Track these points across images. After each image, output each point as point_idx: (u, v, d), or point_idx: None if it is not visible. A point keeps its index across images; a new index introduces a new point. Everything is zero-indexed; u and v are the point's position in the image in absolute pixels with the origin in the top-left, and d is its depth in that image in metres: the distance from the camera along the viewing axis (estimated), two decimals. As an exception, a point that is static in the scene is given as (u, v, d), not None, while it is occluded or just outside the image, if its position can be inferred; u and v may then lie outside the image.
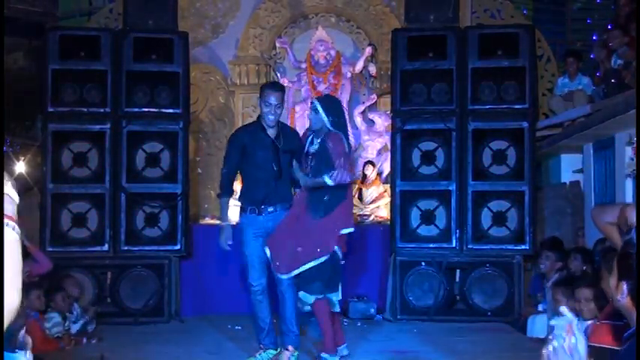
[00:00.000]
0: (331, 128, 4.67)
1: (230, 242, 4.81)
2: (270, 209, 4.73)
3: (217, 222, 7.74)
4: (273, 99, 4.69)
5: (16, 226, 1.56)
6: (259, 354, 4.80)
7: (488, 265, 6.52)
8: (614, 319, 3.17)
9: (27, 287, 5.33)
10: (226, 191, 4.91)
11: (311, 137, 4.80)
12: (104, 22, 8.10)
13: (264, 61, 8.71)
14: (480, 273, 6.53)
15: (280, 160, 4.74)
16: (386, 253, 6.85)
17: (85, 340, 5.59)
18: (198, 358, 5.09)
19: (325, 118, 4.66)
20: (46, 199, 6.56)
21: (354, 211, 7.76)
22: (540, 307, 5.83)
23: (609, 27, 7.58)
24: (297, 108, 8.60)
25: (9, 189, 1.60)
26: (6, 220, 1.54)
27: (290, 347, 4.74)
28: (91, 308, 6.12)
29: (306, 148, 4.78)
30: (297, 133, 5.15)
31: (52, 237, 6.51)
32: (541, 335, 5.43)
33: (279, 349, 4.82)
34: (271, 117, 4.70)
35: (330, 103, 4.90)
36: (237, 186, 5.22)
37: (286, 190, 4.83)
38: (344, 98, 8.61)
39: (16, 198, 1.61)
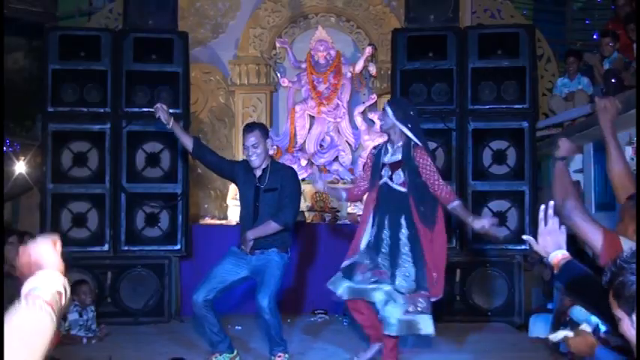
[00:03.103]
0: (412, 138, 4.50)
1: (162, 109, 4.75)
2: (258, 251, 4.68)
3: (217, 222, 7.76)
4: (247, 140, 4.68)
5: (52, 312, 1.41)
6: (215, 357, 4.79)
7: (488, 265, 6.52)
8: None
9: None
10: (198, 140, 5.04)
11: (384, 147, 4.62)
12: (104, 22, 8.10)
13: (264, 61, 8.71)
14: (480, 273, 6.53)
15: (260, 200, 4.71)
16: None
17: (85, 341, 5.60)
18: (198, 358, 5.08)
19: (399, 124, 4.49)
20: (46, 199, 6.56)
21: (355, 212, 7.78)
22: (550, 306, 5.79)
23: (608, 25, 7.61)
24: (297, 108, 8.61)
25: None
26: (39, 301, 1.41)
27: (281, 354, 4.74)
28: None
29: (381, 159, 4.58)
30: (288, 170, 4.94)
31: (52, 237, 6.50)
32: (542, 335, 5.43)
33: (235, 352, 4.86)
34: (252, 159, 4.68)
35: (401, 105, 4.72)
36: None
37: (270, 234, 4.70)
38: (344, 98, 8.63)
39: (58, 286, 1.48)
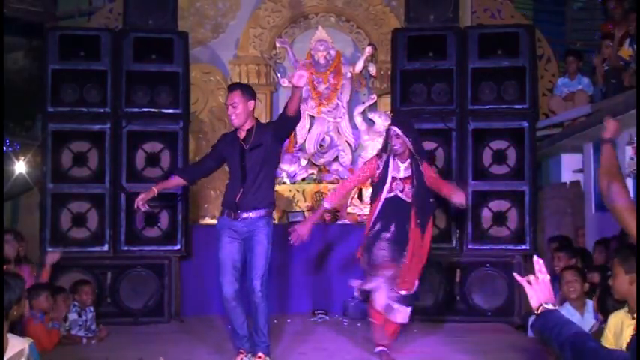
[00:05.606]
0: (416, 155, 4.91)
1: (143, 204, 4.70)
2: (245, 215, 4.60)
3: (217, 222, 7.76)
4: (227, 99, 4.64)
5: None
6: (241, 359, 4.76)
7: (488, 265, 6.52)
8: None
9: (36, 288, 5.34)
10: (178, 170, 5.12)
11: (392, 163, 4.92)
12: (104, 22, 8.11)
13: (264, 61, 8.71)
14: (479, 273, 6.53)
15: (246, 160, 4.62)
16: (386, 253, 6.83)
17: (85, 341, 5.60)
18: (198, 358, 5.09)
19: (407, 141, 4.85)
20: (46, 199, 6.56)
21: (355, 212, 7.79)
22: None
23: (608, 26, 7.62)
24: (297, 108, 8.60)
25: None
26: None
27: (261, 354, 4.69)
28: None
29: (390, 174, 4.90)
30: (270, 123, 5.06)
31: (52, 237, 6.50)
32: (541, 335, 5.43)
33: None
34: (232, 118, 4.63)
35: (407, 124, 5.07)
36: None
37: (259, 193, 4.63)
38: (344, 98, 8.62)
39: None
